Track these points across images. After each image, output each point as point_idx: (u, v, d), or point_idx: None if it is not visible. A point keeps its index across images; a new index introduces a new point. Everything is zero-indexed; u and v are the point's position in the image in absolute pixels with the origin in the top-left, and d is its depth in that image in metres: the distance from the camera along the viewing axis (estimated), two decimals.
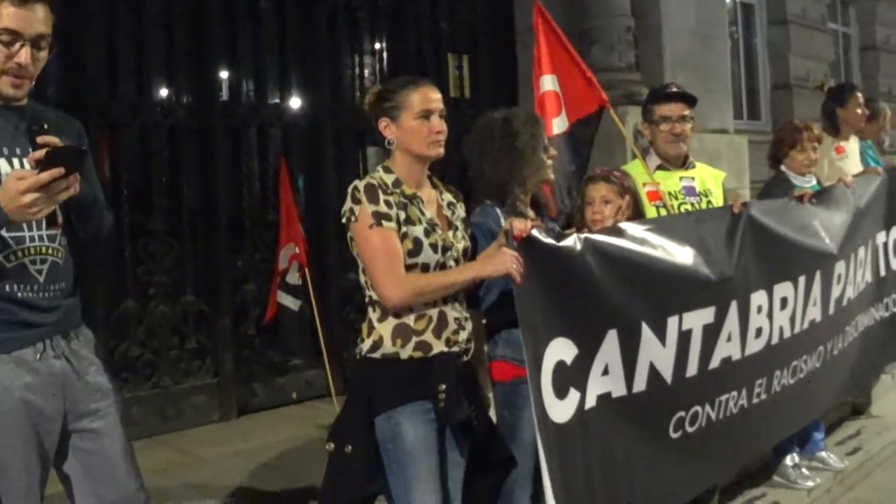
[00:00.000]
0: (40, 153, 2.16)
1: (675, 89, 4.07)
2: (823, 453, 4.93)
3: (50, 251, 2.42)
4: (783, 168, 4.78)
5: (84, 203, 2.42)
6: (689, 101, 3.98)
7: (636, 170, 3.92)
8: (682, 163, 3.98)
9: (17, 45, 2.30)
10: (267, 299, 5.92)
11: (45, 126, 2.26)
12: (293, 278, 5.72)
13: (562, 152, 3.94)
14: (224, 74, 6.04)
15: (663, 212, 3.77)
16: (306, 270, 5.74)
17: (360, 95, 6.76)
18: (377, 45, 6.94)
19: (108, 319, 5.29)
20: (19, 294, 2.35)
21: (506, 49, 7.03)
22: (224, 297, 5.84)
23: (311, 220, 6.21)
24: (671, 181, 3.90)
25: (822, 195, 4.14)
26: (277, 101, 6.31)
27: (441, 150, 2.79)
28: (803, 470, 4.71)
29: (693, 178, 3.95)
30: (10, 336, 2.35)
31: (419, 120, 2.74)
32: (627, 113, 5.90)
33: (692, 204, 3.84)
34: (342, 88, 6.65)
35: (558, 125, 4.20)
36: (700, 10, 7.37)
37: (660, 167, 3.94)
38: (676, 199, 3.83)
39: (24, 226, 2.35)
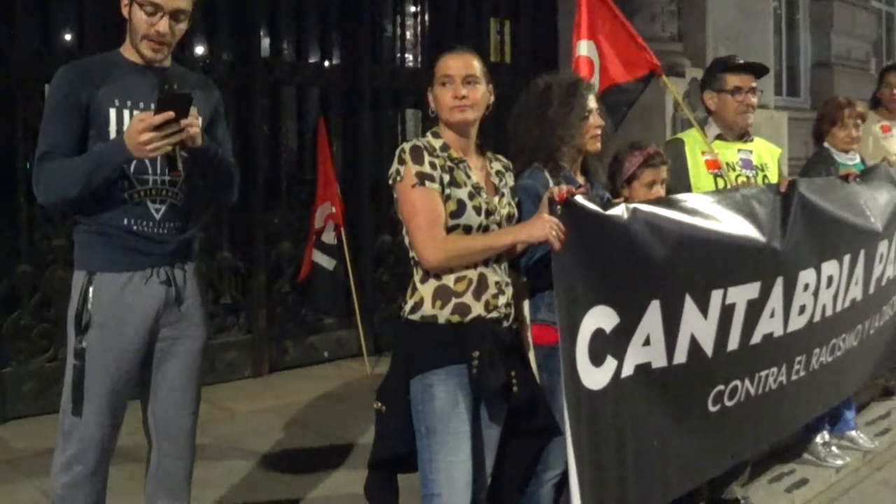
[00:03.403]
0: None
1: (741, 60, 4.00)
2: (853, 433, 4.90)
3: (169, 194, 2.74)
4: (826, 144, 4.72)
5: (205, 156, 2.74)
6: (760, 72, 3.95)
7: (693, 137, 3.86)
8: (742, 135, 3.94)
9: (158, 17, 2.65)
10: (301, 258, 5.96)
11: (175, 86, 2.60)
12: (329, 238, 5.75)
13: None
14: (264, 32, 6.03)
15: (720, 181, 3.74)
16: (342, 230, 5.77)
17: (399, 57, 6.76)
18: (418, 8, 6.91)
19: None
20: (135, 227, 2.69)
21: (547, 15, 6.99)
22: (259, 254, 5.89)
23: (347, 181, 6.22)
24: (729, 152, 3.85)
25: (866, 174, 4.13)
26: (317, 60, 6.31)
27: (463, 116, 2.74)
28: (833, 448, 4.69)
29: (751, 152, 3.91)
30: (123, 259, 2.70)
31: (441, 87, 2.76)
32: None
33: (748, 176, 3.79)
34: (382, 50, 6.63)
35: None
36: None
37: (719, 137, 3.89)
38: (734, 170, 3.78)
39: (150, 169, 2.70)
